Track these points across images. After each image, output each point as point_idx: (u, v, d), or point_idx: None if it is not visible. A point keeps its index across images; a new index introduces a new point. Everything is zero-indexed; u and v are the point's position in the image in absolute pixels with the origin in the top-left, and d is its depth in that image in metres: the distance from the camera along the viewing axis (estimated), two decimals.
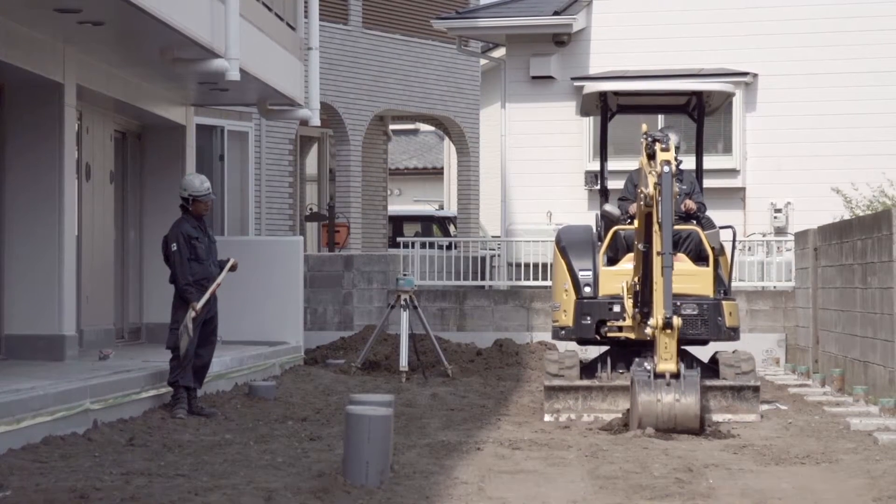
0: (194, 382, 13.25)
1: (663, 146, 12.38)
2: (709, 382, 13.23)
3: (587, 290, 13.95)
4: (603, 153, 15.36)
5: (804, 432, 12.33)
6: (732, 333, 13.86)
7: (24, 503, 8.39)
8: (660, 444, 11.40)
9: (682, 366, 12.20)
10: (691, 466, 10.16)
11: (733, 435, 12.06)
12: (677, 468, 10.07)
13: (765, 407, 13.77)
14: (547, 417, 13.15)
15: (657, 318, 12.14)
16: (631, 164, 15.57)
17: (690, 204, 14.22)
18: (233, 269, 13.74)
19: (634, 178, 14.14)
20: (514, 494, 9.07)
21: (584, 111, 15.97)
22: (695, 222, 14.26)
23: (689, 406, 11.95)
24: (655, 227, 12.30)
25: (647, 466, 10.17)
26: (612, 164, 15.69)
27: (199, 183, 13.61)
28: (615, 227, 14.08)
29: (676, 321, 12.10)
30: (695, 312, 13.58)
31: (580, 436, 11.99)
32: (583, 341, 14.44)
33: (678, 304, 13.24)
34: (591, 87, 15.66)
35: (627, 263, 13.73)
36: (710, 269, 13.83)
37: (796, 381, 17.48)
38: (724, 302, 13.78)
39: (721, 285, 14.05)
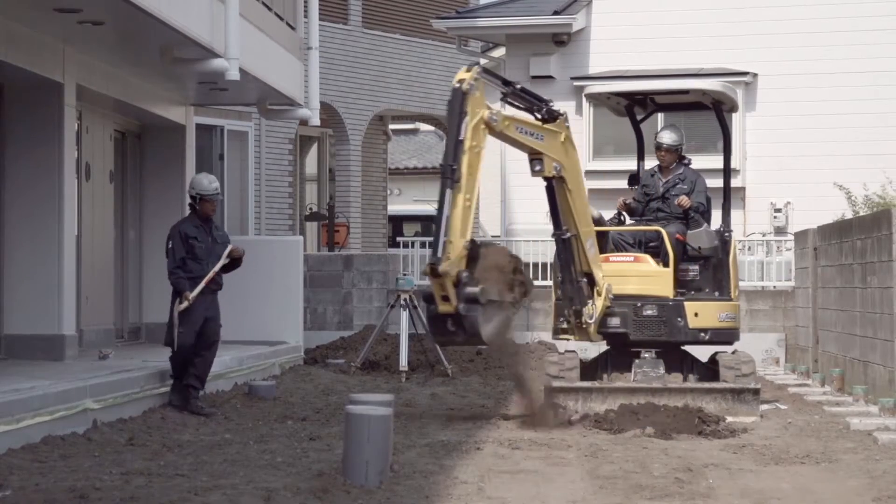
0: (196, 382, 13.26)
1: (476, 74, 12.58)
2: (708, 385, 13.25)
3: None
4: (640, 152, 15.27)
5: (804, 432, 12.33)
6: (702, 335, 13.79)
7: (24, 503, 8.39)
8: (659, 444, 11.40)
9: (461, 304, 11.79)
10: (691, 466, 10.16)
11: (733, 435, 12.07)
12: (677, 468, 10.07)
13: (764, 407, 13.77)
14: None
15: (427, 265, 11.90)
16: (630, 164, 15.58)
17: (684, 200, 14.20)
18: (234, 255, 13.63)
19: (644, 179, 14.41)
20: (514, 494, 9.07)
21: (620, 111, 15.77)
22: (683, 221, 14.24)
23: (474, 339, 12.06)
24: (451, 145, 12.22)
25: (646, 466, 10.18)
26: (613, 164, 15.66)
27: (207, 182, 13.60)
28: (596, 229, 14.03)
29: (443, 267, 11.69)
30: (654, 313, 13.60)
31: (580, 436, 11.99)
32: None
33: (638, 304, 13.49)
34: (602, 88, 15.55)
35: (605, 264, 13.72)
36: (669, 270, 13.78)
37: (796, 380, 17.49)
38: (686, 302, 13.71)
39: (724, 286, 14.02)
